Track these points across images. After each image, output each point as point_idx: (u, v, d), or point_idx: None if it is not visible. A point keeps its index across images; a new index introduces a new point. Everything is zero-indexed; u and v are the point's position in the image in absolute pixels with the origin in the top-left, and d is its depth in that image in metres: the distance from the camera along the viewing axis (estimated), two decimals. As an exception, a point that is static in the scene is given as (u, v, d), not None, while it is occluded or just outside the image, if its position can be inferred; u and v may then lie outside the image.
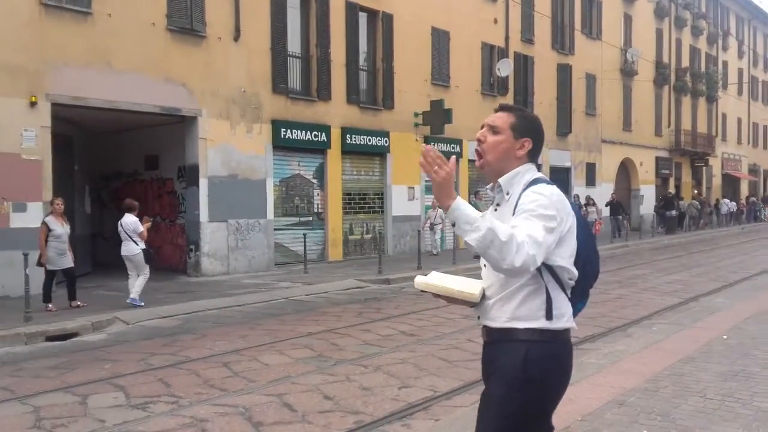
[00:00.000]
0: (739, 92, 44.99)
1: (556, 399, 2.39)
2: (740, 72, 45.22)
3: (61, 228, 10.20)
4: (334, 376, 6.23)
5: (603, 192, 29.14)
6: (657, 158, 34.15)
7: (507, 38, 23.49)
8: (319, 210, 17.69)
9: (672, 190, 35.00)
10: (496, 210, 2.41)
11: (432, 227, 18.95)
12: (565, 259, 2.28)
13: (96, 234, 17.24)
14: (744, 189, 46.03)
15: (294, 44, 16.90)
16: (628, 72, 31.00)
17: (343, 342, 7.81)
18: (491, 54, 22.93)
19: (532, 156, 2.42)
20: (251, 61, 15.67)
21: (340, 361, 6.83)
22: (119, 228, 10.49)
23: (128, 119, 14.73)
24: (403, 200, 19.68)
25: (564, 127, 26.66)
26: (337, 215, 17.96)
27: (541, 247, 2.13)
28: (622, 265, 16.66)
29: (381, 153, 19.07)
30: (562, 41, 26.62)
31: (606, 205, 26.15)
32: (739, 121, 45.46)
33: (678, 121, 36.20)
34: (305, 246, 15.55)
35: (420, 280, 2.46)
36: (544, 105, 25.41)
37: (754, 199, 44.26)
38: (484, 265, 2.39)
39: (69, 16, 12.51)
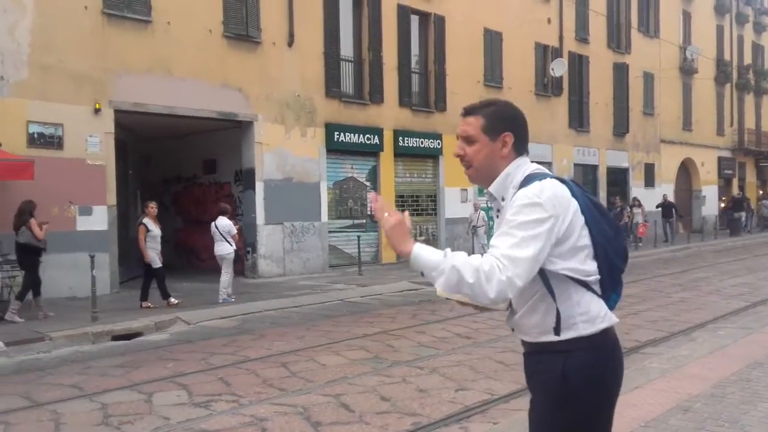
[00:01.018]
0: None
1: (606, 407, 2.18)
2: (807, 67, 43.33)
3: (156, 229, 10.82)
4: (391, 378, 6.24)
5: (663, 192, 28.40)
6: (719, 158, 33.05)
7: (561, 38, 23.15)
8: (373, 212, 17.73)
9: (736, 190, 33.85)
10: (497, 217, 2.25)
11: (475, 230, 18.15)
12: (573, 257, 2.07)
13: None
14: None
15: (347, 48, 17.05)
16: (687, 70, 30.12)
17: (399, 343, 7.83)
18: (545, 54, 22.63)
19: (519, 148, 2.19)
20: (305, 66, 15.89)
21: (396, 363, 6.85)
22: (213, 229, 11.29)
23: (186, 124, 15.13)
24: (456, 202, 19.59)
25: (621, 127, 26.10)
26: (390, 218, 17.98)
27: (522, 263, 1.95)
28: (685, 268, 16.21)
29: (434, 155, 19.05)
30: (618, 40, 26.06)
31: (657, 207, 25.41)
32: (809, 117, 43.52)
33: (741, 120, 34.95)
34: (359, 248, 15.66)
35: (441, 290, 2.18)
36: (600, 105, 24.95)
37: None
38: None
39: (130, 24, 12.95)
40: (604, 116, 25.35)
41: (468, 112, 2.23)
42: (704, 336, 7.65)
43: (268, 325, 9.40)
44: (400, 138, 17.92)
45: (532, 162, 2.23)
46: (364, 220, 17.55)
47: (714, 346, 6.65)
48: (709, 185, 32.35)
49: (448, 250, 1.98)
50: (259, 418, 5.12)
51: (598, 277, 2.10)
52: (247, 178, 15.25)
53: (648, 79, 27.60)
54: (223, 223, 11.25)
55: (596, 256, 2.09)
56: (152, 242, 10.70)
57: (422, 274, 2.00)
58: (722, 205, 32.01)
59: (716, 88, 32.87)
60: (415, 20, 18.69)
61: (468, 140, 2.20)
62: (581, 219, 2.08)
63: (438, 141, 18.93)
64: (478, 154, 2.17)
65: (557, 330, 2.07)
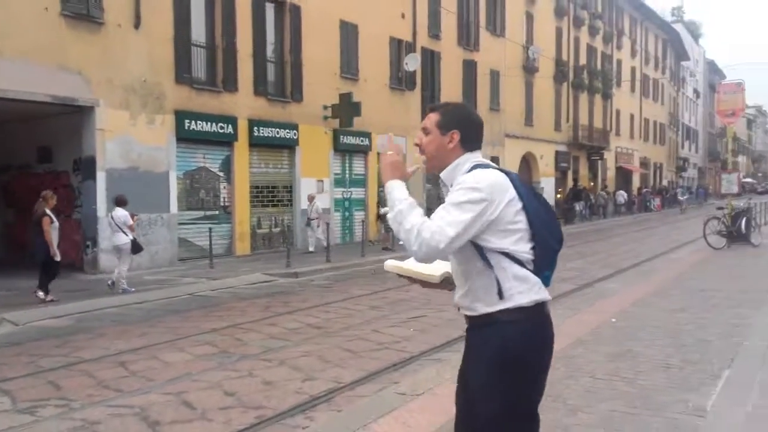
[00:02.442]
0: (632, 89, 47.57)
1: (539, 373, 2.40)
2: (633, 70, 47.80)
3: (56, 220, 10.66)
4: (237, 372, 6.13)
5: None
6: (557, 152, 35.58)
7: (414, 33, 23.78)
8: (226, 203, 17.32)
9: (570, 182, 36.69)
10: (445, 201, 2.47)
11: (308, 222, 17.93)
12: (507, 237, 2.31)
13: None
14: (636, 181, 48.72)
15: (198, 33, 16.44)
16: (529, 69, 32.09)
17: (248, 337, 7.70)
18: (399, 48, 23.14)
19: (467, 145, 2.47)
20: (153, 50, 15.11)
21: (244, 357, 6.73)
22: (109, 220, 11.58)
23: (17, 109, 13.86)
24: (312, 193, 19.55)
25: (470, 122, 27.27)
26: (245, 209, 17.66)
27: (448, 230, 2.22)
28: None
29: (290, 146, 18.89)
30: (467, 37, 27.21)
31: None
32: (632, 117, 48.09)
33: (576, 117, 37.85)
34: (211, 240, 15.20)
35: (390, 264, 2.64)
36: (450, 100, 25.82)
37: (647, 189, 47.12)
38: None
39: (-53, -4, 11.64)
40: (454, 110, 26.37)
41: (431, 109, 2.56)
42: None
43: (107, 324, 8.87)
44: (256, 128, 17.59)
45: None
46: (216, 212, 17.06)
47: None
48: (548, 177, 34.76)
49: (413, 200, 2.32)
50: (90, 422, 4.83)
51: (532, 256, 2.35)
52: (86, 167, 14.24)
53: (494, 76, 29.10)
54: (119, 213, 11.30)
55: (532, 238, 2.35)
56: (54, 233, 10.44)
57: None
58: (558, 196, 34.55)
59: (555, 86, 35.33)
60: (270, 8, 18.37)
61: (425, 131, 2.52)
62: (518, 205, 2.34)
63: (294, 131, 18.78)
64: (429, 145, 2.50)
65: (501, 295, 2.31)
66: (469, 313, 2.42)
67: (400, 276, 2.61)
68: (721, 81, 43.06)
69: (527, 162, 33.00)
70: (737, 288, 9.47)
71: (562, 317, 7.70)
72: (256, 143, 17.74)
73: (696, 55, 70.61)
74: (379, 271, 15.57)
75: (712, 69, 77.77)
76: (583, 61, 38.83)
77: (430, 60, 24.86)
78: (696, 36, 72.50)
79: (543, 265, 2.38)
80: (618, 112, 44.94)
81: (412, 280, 2.59)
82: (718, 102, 18.27)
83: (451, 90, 25.94)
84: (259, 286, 12.37)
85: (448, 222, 2.23)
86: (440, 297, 10.34)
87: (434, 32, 24.93)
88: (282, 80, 18.78)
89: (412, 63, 22.86)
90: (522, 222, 2.34)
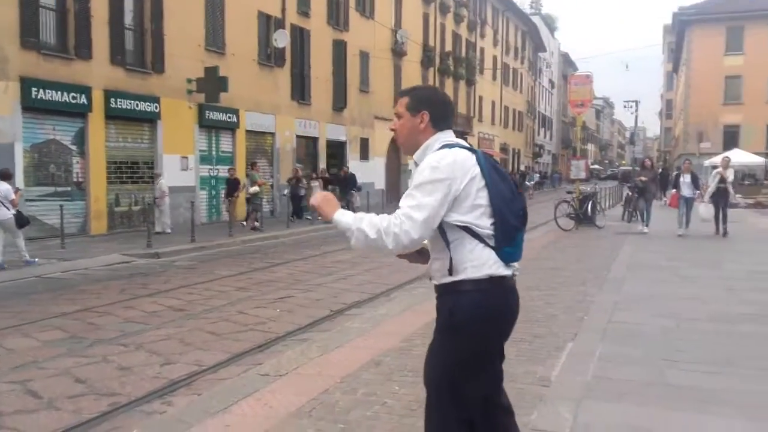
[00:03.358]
0: (494, 77, 49.72)
1: (487, 344, 2.52)
2: (495, 59, 49.95)
3: None
4: (89, 358, 5.80)
5: (376, 166, 30.59)
6: (424, 135, 36.47)
7: (284, 9, 23.34)
8: (80, 179, 16.21)
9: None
10: None
11: (155, 202, 16.86)
12: (469, 213, 2.43)
13: None
14: (497, 165, 51.13)
15: (46, -6, 15.16)
16: (398, 52, 32.58)
17: (102, 321, 7.31)
18: (268, 24, 22.64)
19: (437, 124, 2.57)
20: (-7, 9, 13.75)
21: (97, 342, 6.38)
22: None
23: None
24: (176, 170, 18.80)
25: (340, 102, 27.34)
26: (101, 185, 16.63)
27: (417, 219, 2.35)
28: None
29: (151, 119, 17.97)
30: (337, 17, 27.11)
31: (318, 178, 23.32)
32: (493, 103, 50.34)
33: (443, 101, 38.95)
34: (62, 219, 14.18)
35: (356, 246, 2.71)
36: (320, 79, 25.79)
37: (535, 174, 49.86)
38: None
39: None
40: (324, 90, 26.31)
41: (401, 94, 2.66)
42: (402, 296, 8.45)
43: (-60, 309, 8.07)
44: (112, 99, 16.55)
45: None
46: (69, 188, 15.93)
47: (408, 305, 7.37)
48: (416, 159, 35.59)
49: (360, 213, 2.43)
50: None
51: (492, 232, 2.45)
52: None
53: (364, 57, 29.28)
54: (2, 188, 10.95)
55: (493, 215, 2.45)
56: None
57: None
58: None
59: (422, 71, 36.14)
60: (128, -28, 17.29)
61: (398, 116, 2.63)
62: (481, 183, 2.44)
63: (155, 104, 17.88)
64: (402, 128, 2.61)
65: (450, 271, 2.45)
66: (434, 282, 2.59)
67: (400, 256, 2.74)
68: (573, 72, 46.09)
69: (396, 144, 33.57)
70: (583, 267, 10.24)
71: (426, 295, 7.96)
72: (113, 115, 16.71)
73: (552, 47, 75.05)
74: (331, 240, 15.29)
75: (566, 61, 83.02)
76: (449, 47, 39.98)
77: (300, 37, 24.54)
78: (552, 29, 77.00)
79: (502, 240, 2.47)
80: (481, 99, 46.83)
81: (401, 255, 2.70)
82: (569, 92, 19.51)
83: (321, 69, 25.81)
84: (116, 267, 11.74)
85: (413, 207, 2.37)
86: (309, 277, 10.37)
87: (303, 9, 24.61)
88: (142, 50, 17.77)
89: (281, 39, 22.47)
90: (483, 198, 2.44)
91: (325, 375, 4.73)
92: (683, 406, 4.09)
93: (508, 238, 2.49)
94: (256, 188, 18.43)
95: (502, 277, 2.48)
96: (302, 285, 9.67)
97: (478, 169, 2.45)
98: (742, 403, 4.13)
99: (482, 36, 46.74)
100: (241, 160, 21.19)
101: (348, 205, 22.80)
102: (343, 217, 2.43)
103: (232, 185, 18.63)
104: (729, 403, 4.12)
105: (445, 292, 2.51)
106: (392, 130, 2.68)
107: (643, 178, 16.43)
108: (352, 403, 4.15)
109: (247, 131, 21.83)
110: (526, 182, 46.90)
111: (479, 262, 2.43)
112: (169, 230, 16.72)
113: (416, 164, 2.56)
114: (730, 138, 44.93)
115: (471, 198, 2.42)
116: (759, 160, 37.69)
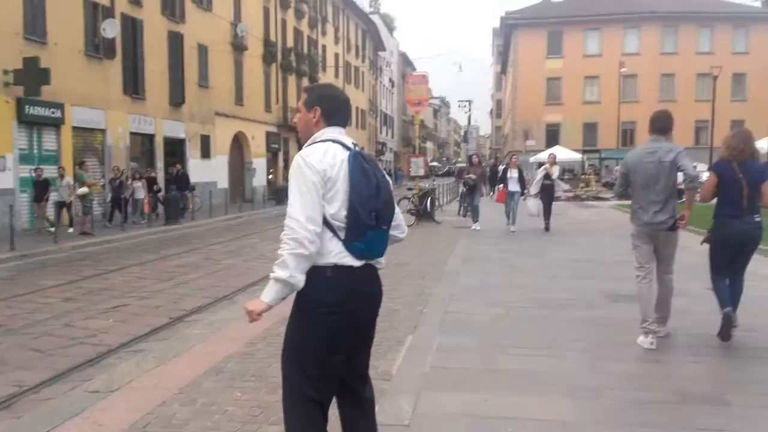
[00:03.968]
0: (336, 75, 50.15)
1: (329, 329, 2.60)
2: (336, 56, 50.42)
3: None
4: None
5: (219, 164, 29.70)
6: (267, 133, 36.03)
7: (113, -2, 21.92)
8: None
9: (281, 163, 37.54)
10: None
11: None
12: (329, 204, 2.57)
13: None
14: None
15: None
16: (238, 47, 31.80)
17: None
18: (95, 12, 21.12)
19: (329, 119, 2.75)
20: None
21: None
22: None
23: None
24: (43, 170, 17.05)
25: (177, 97, 26.19)
26: None
27: (299, 219, 2.49)
28: (236, 236, 17.26)
29: (-43, 115, 16.13)
30: (172, 8, 25.92)
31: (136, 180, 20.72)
32: (338, 101, 50.71)
33: (285, 99, 38.70)
34: None
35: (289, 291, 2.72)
36: (156, 73, 24.54)
37: None
38: None
39: None
40: (160, 85, 25.07)
41: (303, 91, 2.86)
42: (245, 298, 8.28)
43: None
44: None
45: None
46: None
47: (251, 307, 7.23)
48: (259, 158, 35.09)
49: (271, 273, 2.52)
50: None
51: (344, 225, 2.57)
52: None
53: (203, 51, 28.25)
54: None
55: (348, 209, 2.56)
56: None
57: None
58: (270, 176, 35.10)
59: (264, 67, 35.59)
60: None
61: (298, 111, 2.85)
62: (345, 178, 2.56)
63: (-38, 98, 16.06)
64: (299, 122, 2.83)
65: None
66: None
67: None
68: (411, 72, 47.78)
69: (239, 142, 32.83)
70: (423, 261, 10.66)
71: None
72: None
73: (391, 47, 77.15)
74: (171, 242, 14.13)
75: (405, 61, 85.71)
76: (290, 43, 39.72)
77: (132, 28, 23.16)
78: (391, 28, 79.13)
79: (352, 236, 2.57)
80: (324, 96, 46.97)
81: None
82: (407, 91, 20.15)
83: (156, 61, 24.55)
84: None
85: (293, 212, 2.51)
86: (146, 284, 9.84)
87: (135, -1, 23.27)
88: (-55, 37, 15.90)
89: (110, 29, 21.08)
90: (342, 192, 2.57)
91: (162, 387, 4.52)
92: (514, 389, 4.39)
93: (357, 234, 2.58)
94: (85, 189, 17.14)
95: (349, 267, 2.59)
96: (139, 292, 9.16)
97: (346, 165, 2.58)
98: (564, 382, 4.52)
99: (323, 33, 46.96)
100: (68, 159, 19.60)
101: (185, 207, 21.93)
102: (267, 291, 2.53)
103: (41, 188, 16.96)
104: (554, 384, 4.48)
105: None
106: (295, 123, 2.95)
107: (472, 176, 16.38)
108: (190, 414, 4.01)
109: (74, 127, 20.22)
110: None
111: (324, 251, 2.56)
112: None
113: None
114: (552, 136, 48.88)
115: (334, 190, 2.57)
116: (577, 156, 41.40)
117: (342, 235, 2.58)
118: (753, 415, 3.93)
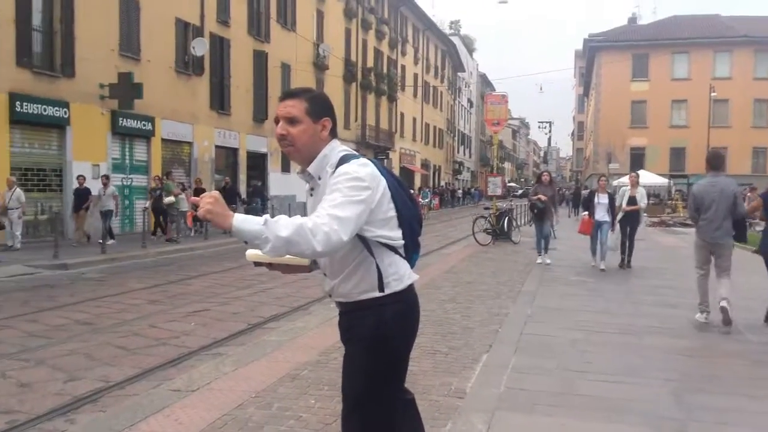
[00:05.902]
0: (415, 95, 50.53)
1: (408, 350, 2.54)
2: (416, 76, 50.79)
3: None
4: (-15, 375, 5.44)
5: (298, 179, 30.24)
6: (346, 149, 36.54)
7: (202, 17, 22.91)
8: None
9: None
10: (311, 195, 2.49)
11: (5, 212, 14.53)
12: (384, 226, 2.38)
13: None
14: (417, 181, 51.91)
15: (-54, -11, 14.27)
16: (320, 66, 32.56)
17: (1, 335, 6.87)
18: (186, 31, 22.14)
19: (333, 132, 2.46)
20: None
21: (-5, 357, 5.99)
22: None
23: None
24: (87, 178, 17.96)
25: (261, 113, 27.03)
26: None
27: (345, 220, 2.18)
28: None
29: (59, 125, 17.16)
30: (258, 28, 26.85)
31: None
32: (414, 120, 51.11)
33: (364, 117, 39.27)
34: (-42, 228, 13.30)
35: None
36: (240, 89, 25.43)
37: (427, 189, 50.52)
38: None
39: None
40: (244, 101, 25.95)
41: (288, 95, 2.42)
42: (320, 309, 8.36)
43: None
44: (18, 103, 15.71)
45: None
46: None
47: (325, 318, 7.29)
48: (337, 173, 35.56)
49: (267, 217, 2.13)
50: None
51: (403, 242, 2.45)
52: None
53: (285, 69, 29.08)
54: None
55: (401, 225, 2.44)
56: None
57: (245, 243, 2.20)
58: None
59: (344, 85, 36.29)
60: (38, -29, 16.53)
61: (292, 121, 2.37)
62: (389, 194, 2.38)
63: (65, 110, 17.09)
64: (302, 135, 2.37)
65: (381, 287, 2.39)
66: (343, 300, 2.49)
67: (258, 264, 2.45)
68: (489, 92, 47.52)
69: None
70: (498, 281, 10.49)
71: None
72: (18, 120, 15.86)
73: (470, 68, 77.07)
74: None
75: (484, 81, 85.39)
76: (370, 63, 40.35)
77: (220, 46, 24.14)
78: (470, 50, 79.10)
79: (410, 248, 2.52)
80: (402, 115, 47.44)
81: (273, 266, 2.47)
82: (486, 111, 20.00)
83: (241, 79, 25.47)
84: (19, 279, 11.11)
85: (336, 206, 2.19)
86: (226, 290, 10.13)
87: (223, 18, 24.24)
88: (51, 52, 16.98)
89: (200, 47, 22.04)
90: (392, 209, 2.41)
91: (239, 390, 4.62)
92: (592, 416, 4.23)
93: (415, 245, 2.57)
94: (171, 198, 17.85)
95: (413, 285, 2.55)
96: (219, 298, 9.43)
97: (384, 181, 2.39)
98: (646, 411, 4.32)
99: (403, 53, 47.45)
100: (157, 169, 20.53)
101: None
102: (244, 223, 2.12)
103: (82, 196, 16.47)
104: (634, 412, 4.30)
105: (364, 307, 2.43)
106: (281, 135, 2.38)
107: (542, 197, 12.86)
108: (265, 418, 4.06)
109: (163, 140, 21.21)
110: (420, 199, 46.65)
111: (399, 274, 2.44)
112: (18, 245, 14.59)
113: (311, 176, 2.44)
114: (637, 159, 47.38)
115: (384, 209, 2.37)
116: (663, 181, 39.92)
117: (402, 251, 2.48)
118: None
